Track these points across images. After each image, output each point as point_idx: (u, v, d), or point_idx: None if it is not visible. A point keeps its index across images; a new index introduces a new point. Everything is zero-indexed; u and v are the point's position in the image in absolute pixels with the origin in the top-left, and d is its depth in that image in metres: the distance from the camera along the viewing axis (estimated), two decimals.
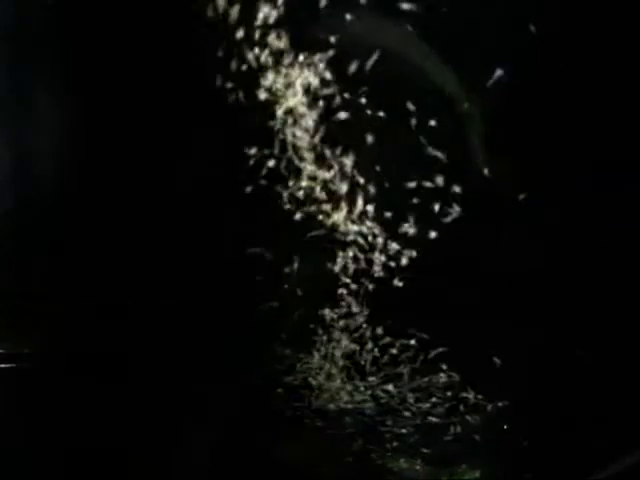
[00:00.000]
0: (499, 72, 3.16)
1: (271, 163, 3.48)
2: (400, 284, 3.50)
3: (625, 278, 3.33)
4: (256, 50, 3.31)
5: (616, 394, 3.35)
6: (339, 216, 3.54)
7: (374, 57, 3.15)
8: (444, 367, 3.54)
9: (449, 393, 3.58)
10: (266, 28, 3.22)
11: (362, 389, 3.64)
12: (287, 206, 3.49)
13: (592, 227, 3.27)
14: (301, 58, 3.33)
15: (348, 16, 3.07)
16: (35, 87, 3.50)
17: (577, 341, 3.40)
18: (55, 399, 3.35)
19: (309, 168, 3.50)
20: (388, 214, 3.42)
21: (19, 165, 3.52)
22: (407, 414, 3.62)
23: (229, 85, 3.22)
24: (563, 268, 3.37)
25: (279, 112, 3.34)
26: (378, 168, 3.39)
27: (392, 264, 3.51)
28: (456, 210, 3.31)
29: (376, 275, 3.54)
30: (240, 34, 3.26)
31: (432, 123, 3.27)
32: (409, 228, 3.39)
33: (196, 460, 3.39)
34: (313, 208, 3.50)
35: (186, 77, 3.30)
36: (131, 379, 3.36)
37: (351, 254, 3.55)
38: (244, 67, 3.24)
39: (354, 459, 3.60)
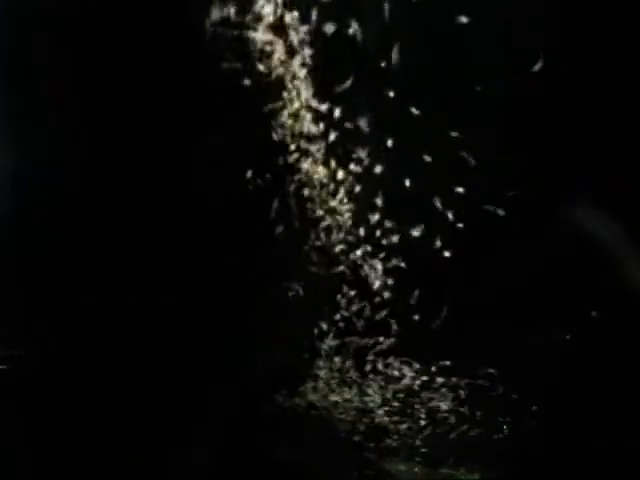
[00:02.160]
0: None
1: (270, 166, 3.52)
2: (396, 290, 3.54)
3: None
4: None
5: (615, 396, 3.37)
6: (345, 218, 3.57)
7: None
8: (444, 371, 3.56)
9: (449, 397, 3.59)
10: None
11: (362, 392, 3.64)
12: (287, 207, 3.51)
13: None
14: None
15: None
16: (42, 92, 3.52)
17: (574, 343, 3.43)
18: (53, 401, 3.33)
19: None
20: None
21: (22, 168, 3.53)
22: (407, 417, 3.61)
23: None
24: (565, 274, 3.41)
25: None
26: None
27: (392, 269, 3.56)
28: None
29: (373, 280, 3.57)
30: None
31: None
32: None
33: (196, 460, 3.37)
34: (315, 210, 3.52)
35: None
36: (131, 379, 3.35)
37: (347, 258, 3.58)
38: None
39: (353, 462, 3.58)
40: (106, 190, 3.48)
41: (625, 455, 3.22)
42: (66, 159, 3.52)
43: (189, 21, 3.29)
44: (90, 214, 3.46)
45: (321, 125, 3.49)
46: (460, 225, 3.46)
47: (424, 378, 3.60)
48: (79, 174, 3.51)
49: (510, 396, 3.50)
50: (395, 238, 3.52)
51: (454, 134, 3.38)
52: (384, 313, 3.56)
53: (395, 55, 3.32)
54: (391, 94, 3.40)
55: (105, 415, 3.27)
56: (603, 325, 3.32)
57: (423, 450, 3.60)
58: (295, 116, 3.46)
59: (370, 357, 3.61)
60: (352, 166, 3.53)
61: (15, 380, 3.38)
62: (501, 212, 3.40)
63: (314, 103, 3.44)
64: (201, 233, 3.46)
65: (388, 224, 3.52)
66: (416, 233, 3.47)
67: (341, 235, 3.56)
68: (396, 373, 3.60)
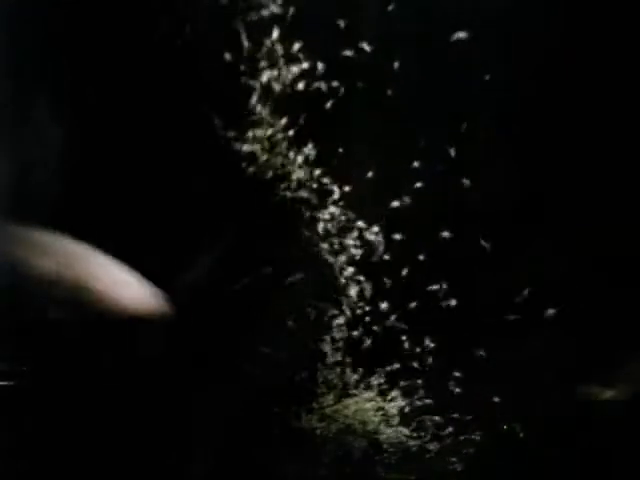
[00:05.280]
0: None
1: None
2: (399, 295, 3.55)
3: None
4: None
5: None
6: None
7: None
8: (447, 383, 3.56)
9: (450, 410, 3.58)
10: None
11: (363, 405, 3.61)
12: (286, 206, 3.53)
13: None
14: None
15: None
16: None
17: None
18: (52, 410, 3.23)
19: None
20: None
21: (21, 172, 3.50)
22: (408, 430, 3.59)
23: None
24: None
25: None
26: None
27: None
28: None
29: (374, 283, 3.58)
30: None
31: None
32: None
33: (191, 470, 3.30)
34: (313, 211, 3.55)
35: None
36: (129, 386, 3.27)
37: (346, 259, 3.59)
38: None
39: (353, 476, 3.54)
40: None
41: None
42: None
43: None
44: (87, 214, 3.42)
45: None
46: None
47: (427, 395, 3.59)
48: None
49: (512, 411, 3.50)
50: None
51: None
52: (387, 329, 3.57)
53: None
54: None
55: (99, 425, 3.18)
56: None
57: (424, 465, 3.56)
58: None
59: (373, 372, 3.59)
60: None
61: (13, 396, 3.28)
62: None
63: None
64: (198, 232, 3.46)
65: None
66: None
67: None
68: (399, 389, 3.59)
